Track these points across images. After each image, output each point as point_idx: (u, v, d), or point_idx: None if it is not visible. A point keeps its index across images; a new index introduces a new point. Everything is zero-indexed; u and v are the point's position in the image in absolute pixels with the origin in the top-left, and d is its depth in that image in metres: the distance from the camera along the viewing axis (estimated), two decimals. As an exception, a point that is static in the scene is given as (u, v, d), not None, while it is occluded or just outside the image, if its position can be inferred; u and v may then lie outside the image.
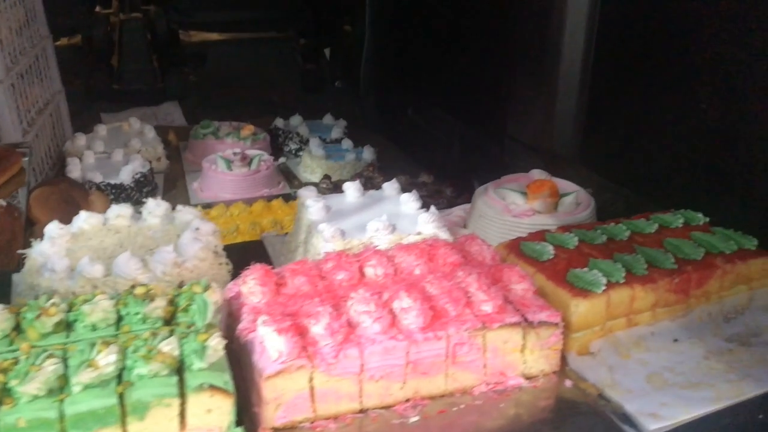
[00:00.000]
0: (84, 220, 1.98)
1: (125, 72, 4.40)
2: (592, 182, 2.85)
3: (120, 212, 2.02)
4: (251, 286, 1.61)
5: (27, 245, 2.45)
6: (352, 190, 2.29)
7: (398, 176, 3.33)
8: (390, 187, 2.34)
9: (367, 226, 2.02)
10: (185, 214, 2.01)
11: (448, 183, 3.29)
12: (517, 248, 1.92)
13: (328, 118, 4.27)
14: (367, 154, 3.66)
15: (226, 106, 4.65)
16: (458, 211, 2.57)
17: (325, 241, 1.97)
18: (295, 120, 4.17)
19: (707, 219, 2.09)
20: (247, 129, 3.92)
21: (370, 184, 3.27)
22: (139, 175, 3.30)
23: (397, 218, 2.15)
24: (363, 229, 2.04)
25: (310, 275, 1.65)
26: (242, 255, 2.28)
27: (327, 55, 5.03)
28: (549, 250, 1.88)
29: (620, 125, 2.74)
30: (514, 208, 2.32)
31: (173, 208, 2.06)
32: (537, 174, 2.55)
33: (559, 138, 3.02)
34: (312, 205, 2.15)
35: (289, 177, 3.66)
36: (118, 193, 3.26)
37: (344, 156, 3.62)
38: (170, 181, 3.56)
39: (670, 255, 1.85)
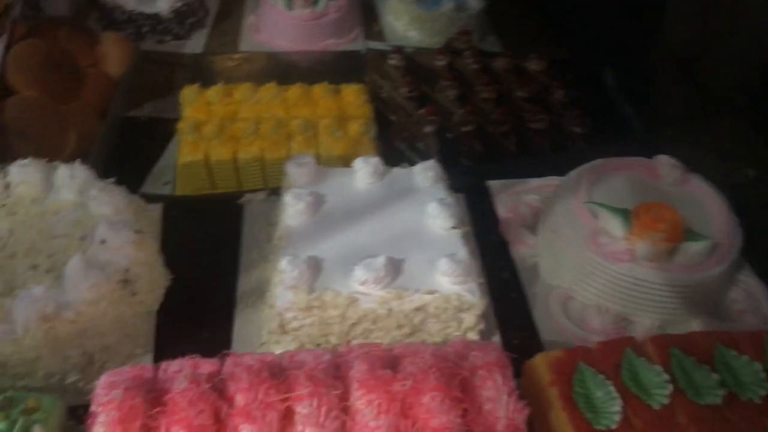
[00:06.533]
0: (-29, 186, 1.34)
1: None
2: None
3: (25, 178, 1.35)
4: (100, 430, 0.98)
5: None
6: (363, 173, 1.46)
7: (498, 55, 2.39)
8: (423, 173, 1.48)
9: (353, 273, 1.26)
10: (101, 204, 1.31)
11: (561, 81, 2.27)
12: (568, 382, 1.11)
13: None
14: (473, 1, 2.61)
15: None
16: (534, 196, 1.67)
17: (284, 287, 1.25)
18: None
19: None
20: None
21: (455, 61, 2.32)
22: (181, 4, 2.52)
23: (415, 240, 1.35)
24: (355, 259, 1.28)
25: (195, 425, 0.98)
26: (203, 234, 1.59)
27: None
28: (615, 408, 1.06)
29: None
30: (605, 241, 1.42)
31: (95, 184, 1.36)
32: (666, 167, 1.56)
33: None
34: (292, 202, 1.37)
35: (371, 20, 2.71)
36: (154, 26, 2.52)
37: (441, 1, 2.60)
38: (226, 9, 2.73)
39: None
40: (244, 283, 1.46)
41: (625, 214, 1.42)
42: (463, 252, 1.30)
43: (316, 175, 1.47)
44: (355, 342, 1.27)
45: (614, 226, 1.42)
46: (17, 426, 0.95)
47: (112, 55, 2.30)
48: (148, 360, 1.30)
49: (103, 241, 1.24)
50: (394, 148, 2.07)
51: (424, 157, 2.00)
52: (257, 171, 1.89)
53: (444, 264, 1.27)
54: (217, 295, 1.44)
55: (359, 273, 1.24)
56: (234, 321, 1.39)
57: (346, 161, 1.87)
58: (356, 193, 1.45)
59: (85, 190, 1.34)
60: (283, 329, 1.27)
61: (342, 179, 1.48)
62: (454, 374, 1.07)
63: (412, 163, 1.60)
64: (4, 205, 1.33)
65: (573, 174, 1.58)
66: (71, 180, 1.34)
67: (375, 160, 1.48)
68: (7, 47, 2.04)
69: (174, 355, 1.27)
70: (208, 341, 1.34)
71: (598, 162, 1.60)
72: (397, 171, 1.52)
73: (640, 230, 1.38)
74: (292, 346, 1.28)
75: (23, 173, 1.35)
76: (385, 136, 2.03)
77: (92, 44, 2.27)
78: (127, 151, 2.05)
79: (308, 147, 1.89)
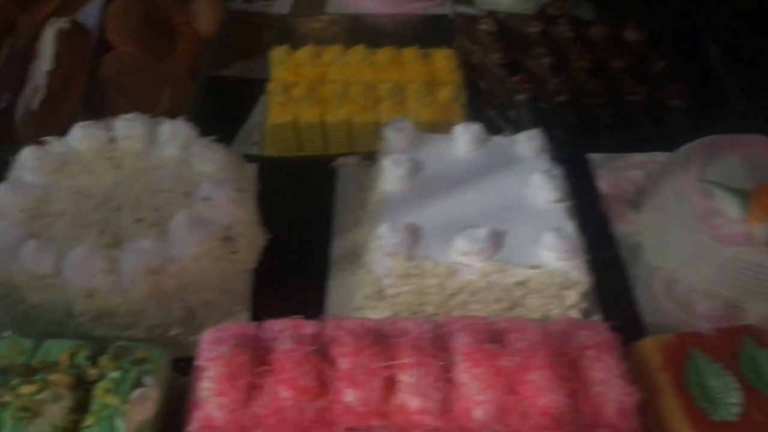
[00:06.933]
0: (79, 138, 1.36)
1: None
2: None
3: (130, 132, 1.36)
4: (208, 386, 0.98)
5: (93, 85, 1.94)
6: (463, 140, 1.41)
7: (594, 23, 2.28)
8: (526, 142, 1.41)
9: (454, 243, 1.22)
10: (204, 161, 1.30)
11: (661, 51, 2.13)
12: (680, 368, 1.05)
13: None
14: (568, -34, 2.49)
15: None
16: (637, 171, 1.58)
17: (383, 255, 1.22)
18: None
19: None
20: None
21: (549, 28, 2.22)
22: (266, -39, 2.50)
23: (517, 211, 1.30)
24: (455, 229, 1.24)
25: (300, 386, 0.98)
26: (296, 195, 1.58)
27: None
28: (734, 399, 1.00)
29: None
30: (718, 223, 1.33)
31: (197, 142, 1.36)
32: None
33: None
34: (391, 168, 1.34)
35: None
36: (236, -14, 2.51)
37: (534, -35, 2.48)
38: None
39: None
40: (339, 246, 1.45)
41: (743, 195, 1.33)
42: (569, 227, 1.25)
43: (414, 141, 1.43)
44: (451, 313, 1.25)
45: (730, 207, 1.33)
46: (130, 375, 0.96)
47: (203, 13, 2.31)
48: (245, 317, 1.30)
49: (206, 198, 1.25)
50: (484, 115, 2.01)
51: (516, 125, 1.94)
52: (344, 134, 1.86)
53: (549, 238, 1.22)
54: (311, 256, 1.43)
55: (461, 243, 1.21)
56: (328, 284, 1.38)
57: (434, 128, 1.82)
58: (456, 160, 1.41)
59: (188, 146, 1.35)
60: (379, 295, 1.25)
61: (441, 146, 1.44)
62: (562, 353, 1.03)
63: (502, 132, 1.54)
64: (110, 159, 1.35)
65: (683, 150, 1.49)
66: (175, 136, 1.35)
67: (476, 127, 1.43)
68: (107, 3, 2.07)
69: (270, 314, 1.28)
70: (303, 302, 1.34)
71: (710, 138, 1.50)
72: (498, 139, 1.46)
73: (760, 213, 1.29)
74: (387, 313, 1.26)
75: (128, 127, 1.36)
76: (475, 103, 1.97)
77: (185, 2, 2.28)
78: (216, 111, 2.06)
79: (397, 112, 1.85)
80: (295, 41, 2.17)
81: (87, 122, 1.38)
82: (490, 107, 2.06)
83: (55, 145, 1.35)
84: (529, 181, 1.34)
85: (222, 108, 2.07)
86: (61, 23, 1.91)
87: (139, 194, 1.28)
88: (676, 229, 1.38)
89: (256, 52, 2.30)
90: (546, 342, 1.03)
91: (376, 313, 1.26)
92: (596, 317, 1.31)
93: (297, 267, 1.41)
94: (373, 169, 1.55)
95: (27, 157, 1.30)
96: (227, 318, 1.29)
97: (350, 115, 1.85)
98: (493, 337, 1.06)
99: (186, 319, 1.24)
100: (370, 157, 1.62)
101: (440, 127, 1.84)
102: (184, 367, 1.12)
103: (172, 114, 2.00)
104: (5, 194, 1.23)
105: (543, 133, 1.47)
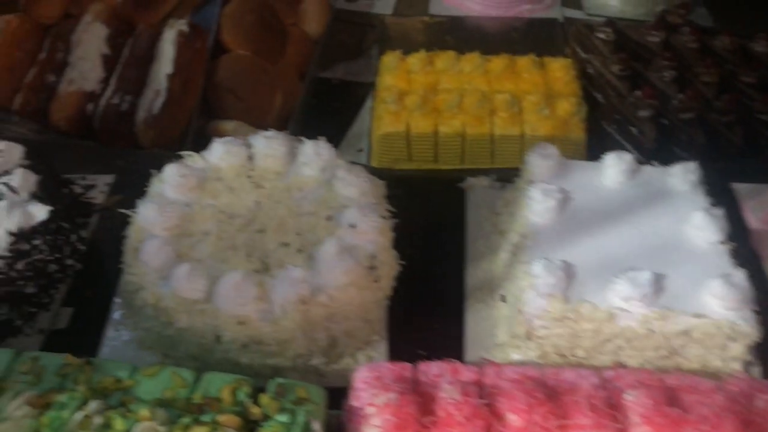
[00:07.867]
0: (220, 155, 1.32)
1: None
2: None
3: (270, 151, 1.32)
4: (375, 434, 0.94)
5: (208, 87, 1.92)
6: (614, 170, 1.32)
7: (719, 33, 2.14)
8: (681, 175, 1.32)
9: (614, 287, 1.14)
10: (347, 185, 1.26)
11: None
12: None
13: None
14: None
15: None
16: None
17: (537, 294, 1.16)
18: None
19: None
20: None
21: (671, 37, 2.09)
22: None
23: (676, 253, 1.22)
24: (611, 270, 1.16)
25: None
26: (425, 217, 1.50)
27: None
28: None
29: None
30: None
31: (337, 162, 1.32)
32: None
33: None
34: (540, 199, 1.26)
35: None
36: (344, -14, 2.47)
37: (649, -34, 2.37)
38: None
39: None
40: (473, 275, 1.39)
41: None
42: (739, 274, 1.15)
43: (559, 168, 1.36)
44: (603, 358, 1.18)
45: None
46: (298, 420, 0.93)
47: (312, 13, 2.27)
48: (383, 347, 1.26)
49: (352, 226, 1.20)
50: (602, 130, 1.92)
51: (638, 144, 1.84)
52: (456, 147, 1.81)
53: (717, 286, 1.13)
54: (445, 284, 1.38)
55: (623, 288, 1.13)
56: (465, 315, 1.32)
57: (552, 143, 1.74)
58: (605, 191, 1.33)
59: (328, 168, 1.31)
60: (528, 335, 1.19)
61: (588, 175, 1.36)
62: (749, 421, 0.95)
63: (623, 150, 1.44)
64: (249, 177, 1.32)
65: None
66: (316, 157, 1.31)
67: (628, 157, 1.34)
68: (223, 4, 2.04)
69: (407, 344, 1.25)
70: (440, 333, 1.29)
71: None
72: (650, 170, 1.37)
73: None
74: (533, 354, 1.20)
75: (268, 145, 1.32)
76: (591, 116, 1.87)
77: (295, 2, 2.23)
78: (322, 115, 2.02)
79: (513, 125, 1.79)
80: (397, 42, 2.12)
81: (227, 138, 1.35)
82: (609, 122, 1.97)
83: (195, 161, 1.33)
84: (687, 219, 1.25)
85: (327, 112, 2.04)
86: (180, 25, 1.90)
87: (282, 216, 1.25)
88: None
89: (359, 53, 2.26)
90: (731, 408, 0.95)
91: (521, 353, 1.21)
92: (755, 369, 1.22)
93: (432, 295, 1.36)
94: (507, 193, 1.48)
95: (170, 174, 1.27)
96: (366, 347, 1.25)
97: (464, 127, 1.79)
98: (668, 396, 0.99)
99: (329, 348, 1.20)
100: (503, 179, 1.55)
101: (558, 142, 1.76)
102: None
103: (283, 118, 1.99)
104: (152, 213, 1.22)
105: (657, 152, 1.37)
